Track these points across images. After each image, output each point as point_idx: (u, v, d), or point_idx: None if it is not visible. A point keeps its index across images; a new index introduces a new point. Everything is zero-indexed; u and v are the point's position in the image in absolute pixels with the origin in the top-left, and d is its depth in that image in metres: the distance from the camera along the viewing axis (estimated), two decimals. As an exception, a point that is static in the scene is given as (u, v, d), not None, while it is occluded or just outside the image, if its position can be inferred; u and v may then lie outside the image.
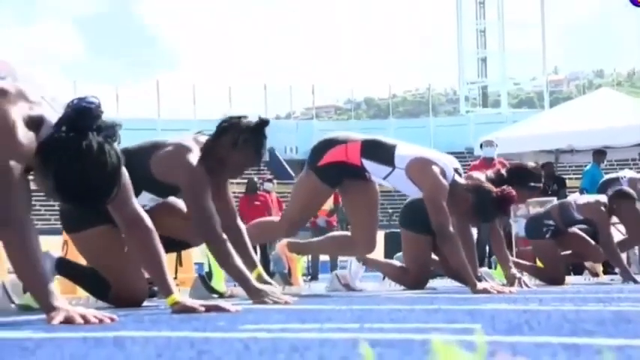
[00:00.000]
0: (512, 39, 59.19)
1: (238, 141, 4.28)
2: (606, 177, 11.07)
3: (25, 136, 2.74)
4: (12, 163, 2.73)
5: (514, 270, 6.10)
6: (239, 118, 4.38)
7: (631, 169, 20.09)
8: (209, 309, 3.13)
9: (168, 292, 3.21)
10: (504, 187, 5.58)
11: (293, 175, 42.59)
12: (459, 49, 58.86)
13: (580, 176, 14.95)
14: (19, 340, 2.18)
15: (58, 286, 4.55)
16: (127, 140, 4.61)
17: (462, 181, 5.49)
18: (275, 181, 17.86)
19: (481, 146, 11.89)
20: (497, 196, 5.42)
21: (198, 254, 5.71)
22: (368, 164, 5.41)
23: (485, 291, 4.90)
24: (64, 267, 4.35)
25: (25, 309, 3.92)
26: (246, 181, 15.69)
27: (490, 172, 6.32)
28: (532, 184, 6.33)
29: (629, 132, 13.83)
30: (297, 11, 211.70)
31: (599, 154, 13.10)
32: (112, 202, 2.95)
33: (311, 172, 5.49)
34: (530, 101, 62.80)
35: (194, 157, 4.24)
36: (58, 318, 2.57)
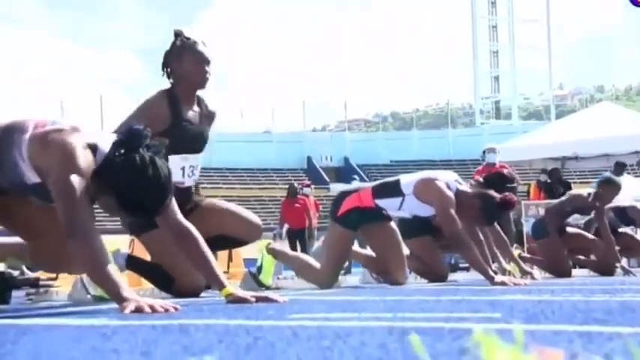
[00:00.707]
0: (522, 59, 58.63)
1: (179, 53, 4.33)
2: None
3: (84, 160, 2.79)
4: (74, 180, 2.76)
5: (524, 265, 6.08)
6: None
7: (629, 173, 19.94)
8: (259, 299, 3.12)
9: (221, 286, 3.20)
10: (506, 193, 5.57)
11: (328, 180, 42.60)
12: (474, 68, 58.76)
13: (584, 180, 14.81)
14: (97, 327, 2.20)
15: (126, 279, 4.60)
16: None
17: (466, 189, 5.46)
18: (312, 186, 17.94)
19: (484, 153, 11.75)
20: (501, 201, 5.39)
21: (248, 250, 5.71)
22: (381, 202, 5.40)
23: (502, 283, 4.88)
24: (133, 263, 4.38)
25: (99, 299, 3.94)
26: (287, 186, 15.87)
27: (472, 181, 6.33)
28: (508, 185, 6.22)
29: (627, 141, 13.88)
30: (331, 37, 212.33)
31: (620, 166, 12.77)
32: (163, 211, 2.97)
33: (333, 223, 5.46)
34: (539, 114, 62.09)
35: None
36: (130, 307, 2.59)
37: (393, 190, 5.44)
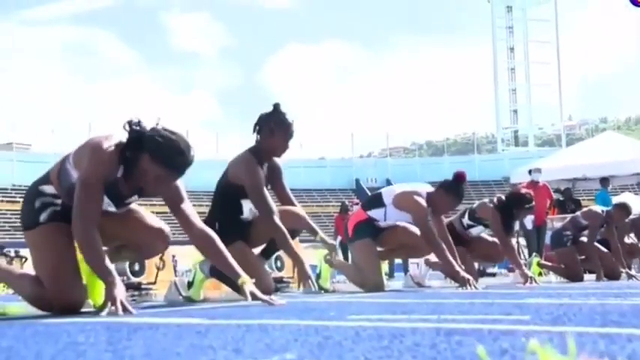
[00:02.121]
0: (536, 95, 57.85)
1: (273, 128, 4.29)
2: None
3: (108, 153, 2.81)
4: (93, 176, 2.79)
5: (527, 270, 5.96)
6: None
7: (630, 192, 19.49)
8: (265, 301, 3.08)
9: (238, 276, 3.17)
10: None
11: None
12: (496, 103, 58.24)
13: (591, 198, 14.68)
14: (192, 325, 2.17)
15: (210, 284, 4.58)
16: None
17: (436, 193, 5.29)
18: (360, 204, 17.88)
19: (530, 172, 11.55)
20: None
21: (310, 257, 5.69)
22: (371, 213, 5.26)
23: (467, 283, 4.78)
24: (215, 271, 4.37)
25: (190, 301, 3.91)
26: (339, 204, 15.98)
27: (494, 199, 6.22)
28: (527, 205, 6.10)
29: (628, 164, 14.00)
30: (376, 79, 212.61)
31: (604, 180, 12.92)
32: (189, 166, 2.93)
33: (352, 244, 5.31)
34: (551, 141, 60.95)
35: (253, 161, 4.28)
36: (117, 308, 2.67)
37: (376, 201, 5.30)
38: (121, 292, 2.75)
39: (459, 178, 5.26)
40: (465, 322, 1.95)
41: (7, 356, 1.44)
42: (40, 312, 3.00)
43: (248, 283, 3.14)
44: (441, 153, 64.54)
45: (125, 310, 2.68)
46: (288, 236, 4.16)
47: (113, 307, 2.68)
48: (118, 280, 2.79)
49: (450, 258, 5.01)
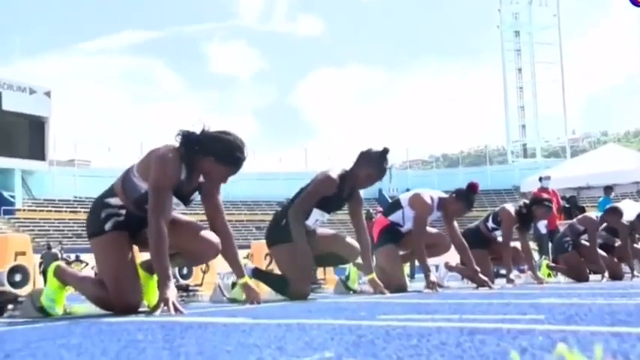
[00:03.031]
0: (543, 111, 57.21)
1: (370, 162, 4.27)
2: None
3: (172, 160, 2.88)
4: (162, 181, 2.85)
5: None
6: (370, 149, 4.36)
7: (630, 199, 19.20)
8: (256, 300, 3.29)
9: (242, 275, 3.37)
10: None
11: (394, 207, 42.06)
12: (506, 119, 57.75)
13: (595, 205, 14.49)
14: (237, 324, 2.16)
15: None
16: (285, 186, 4.73)
17: (449, 197, 5.28)
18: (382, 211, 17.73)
19: (540, 179, 11.45)
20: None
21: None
22: (391, 218, 5.24)
23: (432, 285, 4.78)
24: (257, 273, 4.36)
25: (233, 301, 3.90)
26: (365, 211, 15.79)
27: (521, 204, 6.22)
28: (545, 203, 6.16)
29: (628, 174, 13.96)
30: (396, 99, 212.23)
31: (608, 189, 12.74)
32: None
33: (376, 250, 5.20)
34: (557, 153, 59.98)
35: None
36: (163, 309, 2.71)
37: (395, 205, 5.29)
38: (172, 293, 2.77)
39: (472, 188, 5.25)
40: (486, 322, 1.91)
41: (78, 353, 1.46)
42: (101, 311, 3.03)
43: (248, 284, 3.36)
44: (456, 165, 63.86)
45: (176, 310, 2.70)
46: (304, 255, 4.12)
47: (166, 307, 2.70)
48: (172, 283, 2.82)
49: (426, 260, 4.99)
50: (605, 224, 7.09)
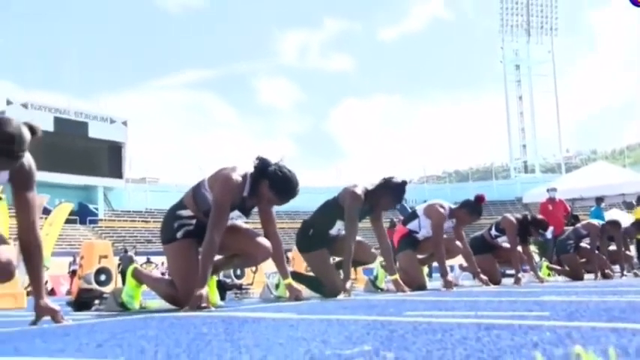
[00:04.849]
0: (540, 133, 56.50)
1: (390, 191, 4.24)
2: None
3: (235, 182, 2.90)
4: (223, 199, 2.85)
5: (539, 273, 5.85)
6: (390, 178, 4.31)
7: (616, 209, 18.75)
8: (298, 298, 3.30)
9: (287, 276, 3.34)
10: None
11: (413, 216, 41.60)
12: (509, 139, 57.16)
13: (587, 213, 14.20)
14: (285, 319, 2.12)
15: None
16: (320, 199, 4.71)
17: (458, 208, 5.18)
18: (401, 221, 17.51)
19: (548, 190, 11.16)
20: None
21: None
22: (409, 226, 5.19)
23: (449, 284, 4.69)
24: (295, 275, 4.30)
25: (279, 299, 3.85)
26: (389, 220, 15.67)
27: (518, 215, 6.06)
28: (540, 230, 5.97)
29: (615, 187, 14.49)
30: (412, 122, 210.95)
31: (599, 200, 12.46)
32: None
33: (397, 256, 5.11)
34: (553, 169, 58.64)
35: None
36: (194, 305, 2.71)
37: (412, 215, 5.25)
38: (205, 291, 2.78)
39: (479, 199, 5.20)
40: (499, 318, 1.85)
41: (156, 343, 1.47)
42: (171, 306, 3.05)
43: (292, 284, 3.32)
44: (466, 179, 63.20)
45: (199, 307, 2.70)
46: (350, 258, 4.09)
47: (196, 301, 2.72)
48: (206, 286, 2.81)
49: (445, 264, 4.91)
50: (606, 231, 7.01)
